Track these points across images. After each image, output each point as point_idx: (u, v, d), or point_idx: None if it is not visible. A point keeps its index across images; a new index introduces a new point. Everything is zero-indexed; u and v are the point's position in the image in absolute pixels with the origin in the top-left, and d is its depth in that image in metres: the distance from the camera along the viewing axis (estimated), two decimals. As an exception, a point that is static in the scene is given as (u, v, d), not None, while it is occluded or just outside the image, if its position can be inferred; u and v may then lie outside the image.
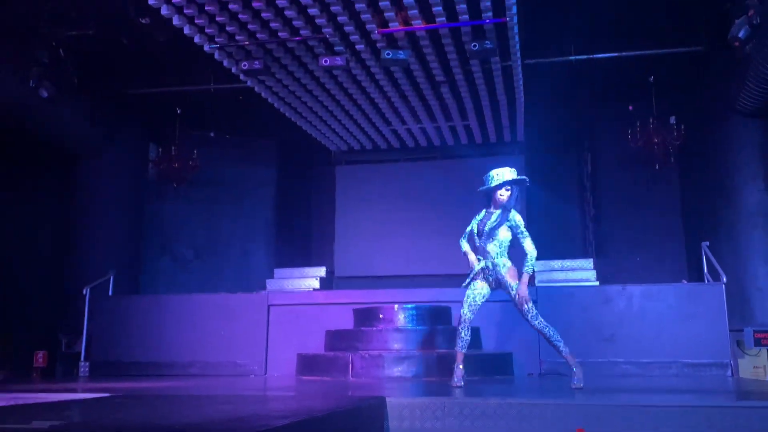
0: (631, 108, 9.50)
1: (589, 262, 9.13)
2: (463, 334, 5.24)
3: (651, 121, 8.81)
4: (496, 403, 3.86)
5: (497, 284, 5.28)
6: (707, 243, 7.81)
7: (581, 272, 8.86)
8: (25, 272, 9.56)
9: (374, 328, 6.97)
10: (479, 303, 5.29)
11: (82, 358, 8.19)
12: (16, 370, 8.96)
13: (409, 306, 7.26)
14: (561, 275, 8.76)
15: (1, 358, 9.15)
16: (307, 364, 7.12)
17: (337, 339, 7.05)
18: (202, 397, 4.44)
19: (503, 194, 5.22)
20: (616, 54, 8.21)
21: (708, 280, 7.58)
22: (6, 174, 9.90)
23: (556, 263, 9.03)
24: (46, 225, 10.00)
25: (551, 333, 5.11)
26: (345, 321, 7.40)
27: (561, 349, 5.11)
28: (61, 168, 9.78)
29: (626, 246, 10.02)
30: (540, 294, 7.44)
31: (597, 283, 8.49)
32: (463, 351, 5.24)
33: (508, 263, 5.25)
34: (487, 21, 6.63)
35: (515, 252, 5.34)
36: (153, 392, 5.20)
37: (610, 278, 9.09)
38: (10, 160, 9.79)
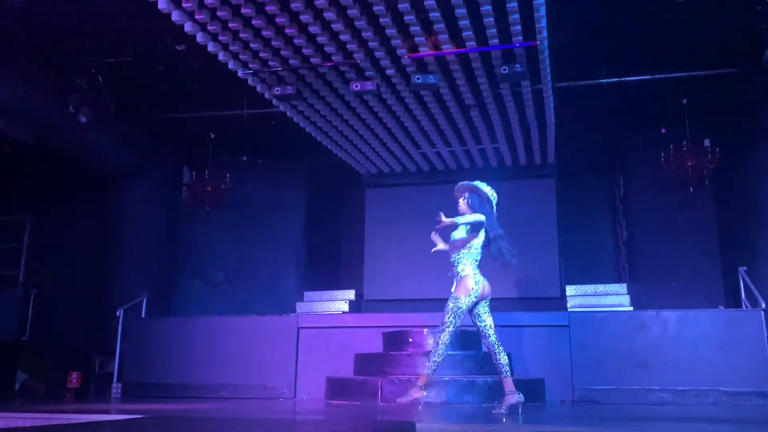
0: (663, 131, 9.39)
1: (622, 287, 8.98)
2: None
3: (684, 144, 8.69)
4: (528, 430, 3.80)
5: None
6: (744, 268, 7.64)
7: (614, 297, 8.71)
8: (61, 293, 9.76)
9: (403, 352, 6.93)
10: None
11: (115, 379, 8.28)
12: (50, 390, 9.10)
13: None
14: (594, 300, 8.62)
15: (37, 377, 9.31)
16: (336, 387, 7.09)
17: (366, 363, 7.02)
18: (233, 420, 4.45)
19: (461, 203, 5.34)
20: (648, 77, 8.14)
21: (746, 306, 7.40)
22: (45, 197, 10.17)
23: (589, 288, 8.90)
24: (82, 247, 10.22)
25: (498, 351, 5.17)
26: (374, 344, 7.39)
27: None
28: (98, 192, 10.00)
29: (660, 271, 9.84)
30: (572, 319, 7.35)
31: (630, 308, 8.34)
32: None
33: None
34: (518, 45, 6.65)
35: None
36: (184, 414, 5.22)
37: (643, 303, 8.93)
38: (50, 184, 10.06)
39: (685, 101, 8.73)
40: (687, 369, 6.83)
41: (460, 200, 5.35)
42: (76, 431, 3.46)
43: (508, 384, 5.08)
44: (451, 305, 5.15)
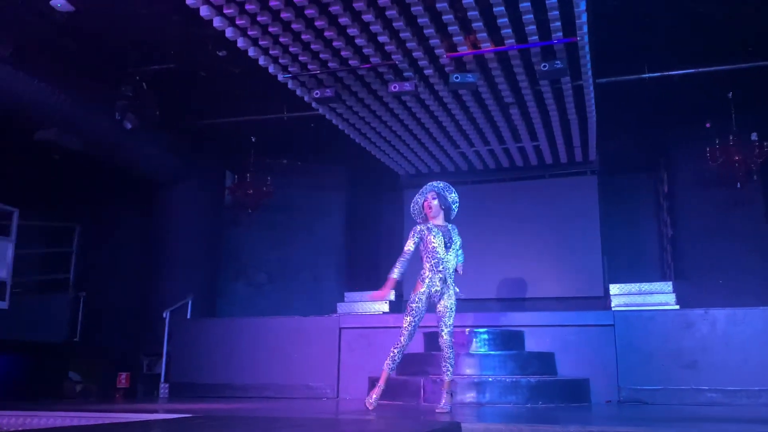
0: (708, 125, 9.18)
1: (668, 285, 8.78)
2: (398, 357, 5.44)
3: (731, 138, 8.48)
4: (575, 430, 3.77)
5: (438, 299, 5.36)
6: (796, 264, 7.43)
7: (660, 296, 8.52)
8: (110, 296, 10.02)
9: (446, 353, 6.91)
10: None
11: (162, 380, 8.46)
12: (100, 390, 9.34)
13: (481, 330, 7.19)
14: (639, 299, 8.46)
15: (87, 378, 9.57)
16: (380, 387, 7.11)
17: (407, 363, 7.03)
18: (280, 420, 4.51)
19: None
20: (692, 70, 7.97)
21: (798, 304, 7.19)
22: (93, 203, 10.46)
23: (634, 286, 8.74)
24: (130, 251, 10.47)
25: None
26: (415, 345, 7.38)
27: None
28: (144, 197, 10.23)
29: (707, 268, 9.61)
30: (617, 318, 7.25)
31: (677, 306, 8.15)
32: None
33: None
34: (558, 41, 6.58)
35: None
36: (231, 414, 5.31)
37: (690, 302, 8.72)
38: (98, 190, 10.34)
39: (730, 94, 8.52)
40: (737, 369, 6.67)
41: (434, 201, 5.41)
42: (132, 430, 3.55)
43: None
44: (454, 306, 5.38)
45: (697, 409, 5.92)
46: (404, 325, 5.32)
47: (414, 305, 5.29)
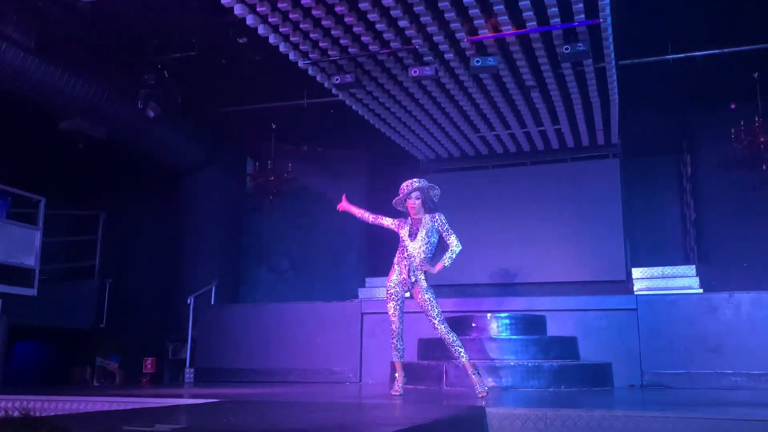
0: (733, 106, 9.05)
1: (691, 269, 8.75)
2: (399, 345, 5.55)
3: (756, 119, 8.36)
4: (600, 415, 3.78)
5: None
6: (823, 247, 7.33)
7: (683, 279, 8.51)
8: (135, 283, 10.17)
9: (467, 337, 6.93)
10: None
11: (187, 365, 8.58)
12: (127, 375, 9.52)
13: (503, 315, 7.19)
14: (662, 283, 8.44)
15: (114, 363, 9.74)
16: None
17: (429, 348, 7.06)
18: (305, 404, 4.57)
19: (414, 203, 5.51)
20: (716, 51, 7.84)
21: (825, 287, 7.11)
22: (118, 191, 10.59)
23: (656, 270, 8.70)
24: (154, 238, 10.61)
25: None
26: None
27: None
28: (167, 184, 10.34)
29: (731, 252, 9.50)
30: (640, 302, 7.22)
31: (701, 290, 8.13)
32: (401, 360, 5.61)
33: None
34: (580, 23, 6.51)
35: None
36: (257, 398, 5.39)
37: (714, 286, 8.67)
38: (122, 178, 10.46)
39: (756, 75, 8.38)
40: (762, 352, 6.62)
41: (417, 201, 5.49)
42: (161, 415, 3.63)
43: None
44: (432, 297, 5.46)
45: (721, 393, 5.90)
46: (389, 312, 5.53)
47: (391, 291, 5.52)
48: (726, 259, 9.46)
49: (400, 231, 5.58)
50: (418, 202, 5.47)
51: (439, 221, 5.50)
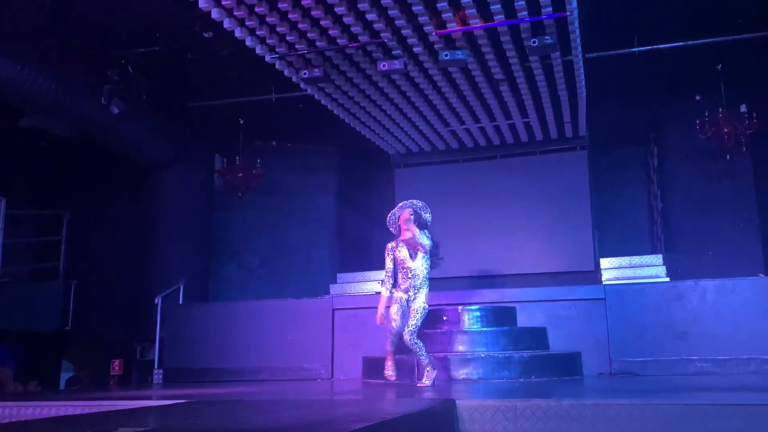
0: (698, 98, 9.18)
1: (658, 258, 8.85)
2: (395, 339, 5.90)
3: (720, 110, 8.49)
4: (569, 404, 3.80)
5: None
6: (785, 235, 7.48)
7: (650, 268, 8.59)
8: (101, 284, 9.97)
9: (438, 330, 6.96)
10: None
11: (156, 366, 8.45)
12: (94, 378, 9.34)
13: (474, 307, 7.22)
14: (630, 272, 8.51)
15: (80, 366, 9.56)
16: (373, 367, 7.14)
17: (402, 342, 7.03)
18: (275, 402, 4.52)
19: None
20: (681, 43, 7.95)
21: (787, 274, 7.25)
22: (82, 189, 10.36)
23: (624, 260, 8.79)
24: (120, 238, 10.40)
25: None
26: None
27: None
28: (134, 182, 10.15)
29: (697, 240, 9.68)
30: (609, 292, 7.29)
31: (667, 279, 8.22)
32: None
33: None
34: (547, 16, 6.53)
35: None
36: (226, 398, 5.32)
37: (681, 274, 8.79)
38: (86, 176, 10.24)
39: (719, 66, 8.51)
40: (727, 338, 6.74)
41: (411, 217, 5.78)
42: (124, 418, 3.55)
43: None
44: (424, 312, 5.80)
45: (688, 380, 5.98)
46: (392, 312, 5.85)
47: (396, 297, 5.87)
48: (692, 248, 9.62)
49: (397, 254, 5.86)
50: (412, 217, 5.76)
51: (427, 234, 5.83)
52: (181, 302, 8.84)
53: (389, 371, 6.00)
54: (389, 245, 5.94)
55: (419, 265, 5.79)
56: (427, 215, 5.93)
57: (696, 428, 3.56)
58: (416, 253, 5.79)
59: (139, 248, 10.01)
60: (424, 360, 5.80)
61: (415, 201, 5.93)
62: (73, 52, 7.79)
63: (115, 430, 2.68)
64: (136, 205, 10.24)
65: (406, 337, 5.69)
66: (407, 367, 6.59)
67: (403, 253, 5.83)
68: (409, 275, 5.80)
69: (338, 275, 10.23)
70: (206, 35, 7.25)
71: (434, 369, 5.83)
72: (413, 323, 5.71)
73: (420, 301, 5.77)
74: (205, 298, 9.93)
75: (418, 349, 5.75)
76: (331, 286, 9.88)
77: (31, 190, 10.22)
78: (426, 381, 5.74)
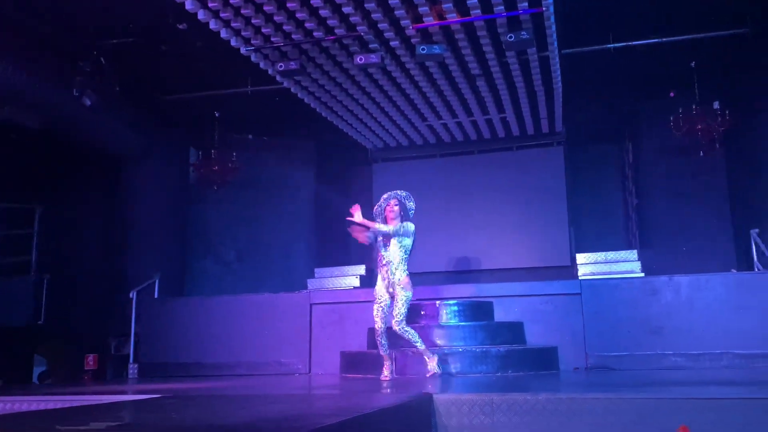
0: (672, 94, 9.27)
1: (633, 254, 8.96)
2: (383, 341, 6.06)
3: (694, 107, 8.59)
4: (545, 398, 3.82)
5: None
6: (757, 230, 7.60)
7: (625, 264, 8.70)
8: (75, 278, 9.80)
9: (416, 325, 6.94)
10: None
11: (131, 360, 8.36)
12: (68, 372, 9.20)
13: (451, 302, 7.24)
14: (605, 267, 8.61)
15: (55, 361, 9.41)
16: (351, 361, 7.15)
17: (392, 337, 7.04)
18: (251, 397, 4.49)
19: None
20: (656, 40, 8.02)
21: (758, 268, 7.37)
22: (54, 183, 10.18)
23: (600, 255, 8.88)
24: (94, 231, 10.23)
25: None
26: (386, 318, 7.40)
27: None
28: (107, 175, 9.98)
29: (671, 236, 9.80)
30: (584, 287, 7.35)
31: (642, 274, 8.33)
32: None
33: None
34: (524, 11, 6.55)
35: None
36: (202, 392, 5.27)
37: (655, 269, 8.90)
38: (58, 169, 10.05)
39: (693, 63, 8.60)
40: (700, 333, 6.84)
41: (395, 207, 6.07)
42: (97, 412, 3.49)
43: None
44: (405, 299, 5.94)
45: (662, 374, 6.06)
46: (374, 313, 6.05)
47: (377, 295, 6.07)
48: (666, 244, 9.74)
49: (380, 239, 6.08)
50: (396, 208, 6.05)
51: (404, 225, 6.02)
52: (156, 296, 8.75)
53: (386, 372, 6.14)
54: None
55: (393, 253, 5.99)
56: (411, 203, 6.19)
57: (670, 422, 3.59)
58: (389, 242, 6.01)
59: (113, 242, 9.86)
60: (420, 346, 5.93)
61: (399, 192, 6.18)
62: (44, 43, 7.62)
63: (86, 425, 2.63)
64: (110, 198, 10.08)
65: (396, 327, 5.85)
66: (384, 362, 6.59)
67: (380, 241, 6.08)
68: (384, 262, 6.02)
69: (316, 270, 10.20)
70: (180, 27, 7.14)
71: (434, 354, 6.02)
72: (397, 312, 5.87)
73: (400, 291, 5.90)
74: (180, 293, 9.83)
75: (410, 337, 5.89)
76: (308, 280, 9.84)
77: (2, 183, 10.02)
78: (432, 368, 5.94)
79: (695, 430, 3.44)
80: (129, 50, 7.80)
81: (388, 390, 4.99)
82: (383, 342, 6.02)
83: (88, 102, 7.75)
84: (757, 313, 6.73)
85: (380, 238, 6.07)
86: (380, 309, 5.99)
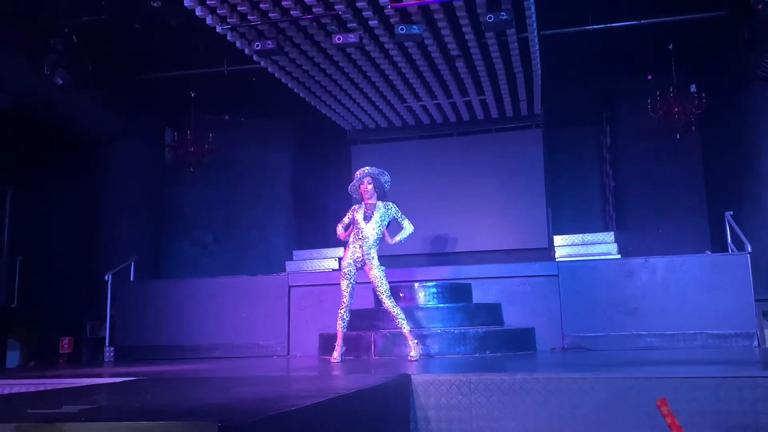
0: (650, 77, 9.32)
1: (610, 236, 9.03)
2: (345, 316, 6.08)
3: (671, 90, 8.65)
4: (522, 378, 3.84)
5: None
6: (731, 213, 7.69)
7: (602, 246, 8.77)
8: (49, 260, 9.66)
9: (396, 307, 6.96)
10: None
11: (107, 344, 8.28)
12: (42, 356, 9.08)
13: (430, 284, 7.26)
14: (582, 249, 8.68)
15: (29, 345, 9.28)
16: (329, 343, 7.11)
17: (358, 318, 7.04)
18: (228, 379, 4.46)
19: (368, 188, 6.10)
20: (634, 22, 8.03)
21: (732, 250, 7.47)
22: (27, 163, 9.97)
23: (577, 237, 8.95)
24: (68, 213, 10.07)
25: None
26: (365, 300, 7.41)
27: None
28: (81, 156, 9.82)
29: (647, 218, 9.90)
30: (562, 268, 7.40)
31: (618, 256, 8.40)
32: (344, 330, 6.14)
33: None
34: (503, -8, 6.50)
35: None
36: (178, 375, 5.23)
37: (631, 251, 9.00)
38: (31, 149, 9.84)
39: (671, 46, 8.64)
40: (675, 314, 6.93)
41: (369, 186, 6.08)
42: (71, 396, 3.44)
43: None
44: (384, 275, 6.00)
45: (637, 354, 6.14)
46: (342, 288, 6.06)
47: (345, 270, 6.06)
48: (642, 226, 9.84)
49: (356, 215, 6.12)
50: (370, 186, 6.05)
51: (393, 209, 6.13)
52: (132, 279, 8.65)
53: (336, 354, 6.10)
54: (354, 206, 6.25)
55: (370, 230, 6.01)
56: (386, 177, 6.19)
57: (644, 400, 3.64)
58: (371, 218, 6.03)
59: (88, 224, 9.72)
60: (405, 329, 5.94)
61: (368, 168, 6.14)
62: (13, 20, 7.42)
63: (59, 408, 2.58)
64: (84, 179, 9.92)
65: (387, 302, 5.89)
66: (364, 343, 6.60)
67: (359, 215, 6.09)
68: (360, 236, 6.01)
69: (294, 252, 10.15)
70: (154, 4, 7.00)
71: (416, 339, 6.02)
72: (384, 288, 5.91)
73: (376, 270, 5.94)
74: (157, 275, 9.74)
75: (399, 316, 5.90)
76: (287, 263, 9.80)
77: (-29, 164, 9.80)
78: (414, 354, 5.87)
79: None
80: (102, 28, 7.63)
81: (369, 370, 4.99)
82: (346, 318, 6.03)
83: (59, 81, 7.59)
84: (731, 294, 6.83)
85: (366, 211, 6.09)
86: (350, 285, 6.00)
